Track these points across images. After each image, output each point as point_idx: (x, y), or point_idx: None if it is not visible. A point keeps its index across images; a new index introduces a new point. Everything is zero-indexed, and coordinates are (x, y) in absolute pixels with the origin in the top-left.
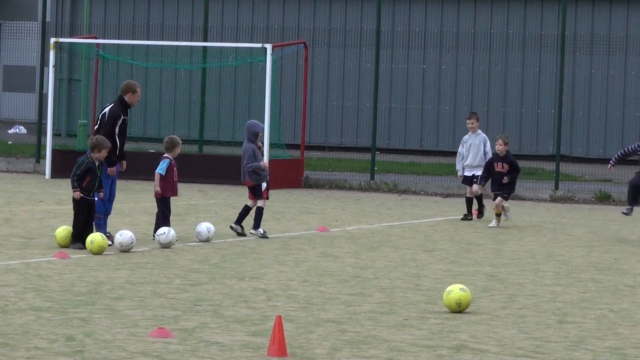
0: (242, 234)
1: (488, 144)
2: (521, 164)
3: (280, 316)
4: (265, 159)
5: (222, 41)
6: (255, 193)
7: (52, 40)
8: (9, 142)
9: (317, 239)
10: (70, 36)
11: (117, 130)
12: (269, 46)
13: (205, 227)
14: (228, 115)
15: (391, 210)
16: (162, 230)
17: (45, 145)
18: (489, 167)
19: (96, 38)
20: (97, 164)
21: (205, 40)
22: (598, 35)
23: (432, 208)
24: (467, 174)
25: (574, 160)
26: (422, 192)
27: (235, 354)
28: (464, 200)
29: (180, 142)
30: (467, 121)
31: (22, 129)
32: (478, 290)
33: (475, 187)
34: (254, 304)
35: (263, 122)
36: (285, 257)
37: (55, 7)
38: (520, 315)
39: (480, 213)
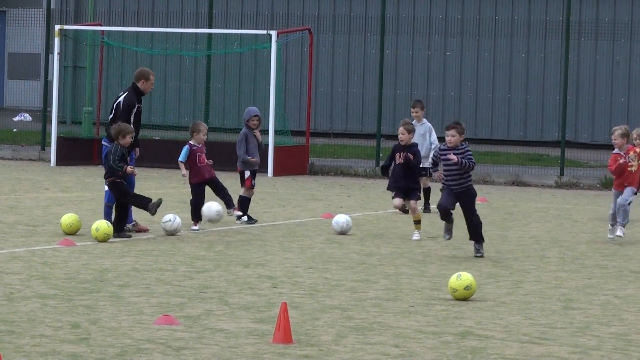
0: (252, 221)
1: (434, 133)
2: (526, 150)
3: (285, 303)
4: (270, 145)
5: (226, 28)
6: (241, 180)
7: (57, 27)
8: (14, 130)
9: (322, 225)
10: (75, 23)
11: (132, 118)
12: (273, 33)
13: (215, 210)
14: (233, 102)
15: None
16: (168, 217)
17: (50, 133)
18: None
19: (101, 25)
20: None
21: (210, 27)
22: (603, 21)
23: (438, 194)
24: None
25: (579, 146)
26: None
27: (241, 341)
28: None
29: (202, 127)
30: (412, 110)
31: (27, 117)
32: (483, 276)
33: (422, 179)
34: (260, 291)
35: (268, 109)
36: (291, 244)
37: None
38: (526, 302)
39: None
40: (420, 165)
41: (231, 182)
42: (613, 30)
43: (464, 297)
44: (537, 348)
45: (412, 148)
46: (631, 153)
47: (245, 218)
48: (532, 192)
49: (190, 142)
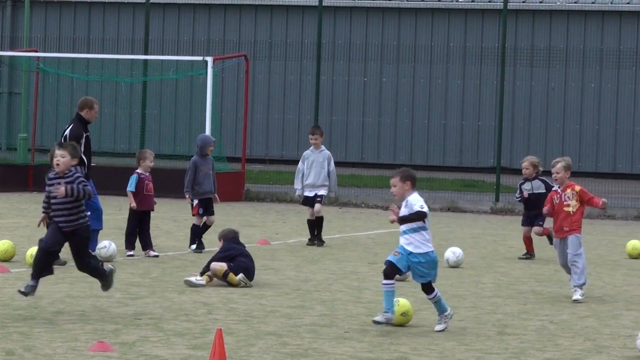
0: (200, 248)
1: (332, 161)
2: (462, 176)
3: (220, 329)
4: None
5: (163, 54)
6: (191, 208)
7: None
8: None
9: (258, 251)
10: (11, 49)
11: (82, 148)
12: (209, 59)
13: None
14: (169, 128)
15: (332, 222)
16: (103, 243)
17: None
18: None
19: (36, 51)
20: None
21: (146, 53)
22: (538, 47)
23: (373, 220)
24: (308, 194)
25: (514, 172)
26: (363, 205)
27: None
28: None
29: (148, 154)
30: (310, 136)
31: None
32: (419, 302)
33: (317, 206)
34: (195, 317)
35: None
36: None
37: None
38: (461, 327)
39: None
40: (318, 193)
41: (167, 208)
42: (548, 56)
43: (400, 323)
44: None
45: None
46: (568, 190)
47: (193, 246)
48: (467, 218)
49: (137, 170)
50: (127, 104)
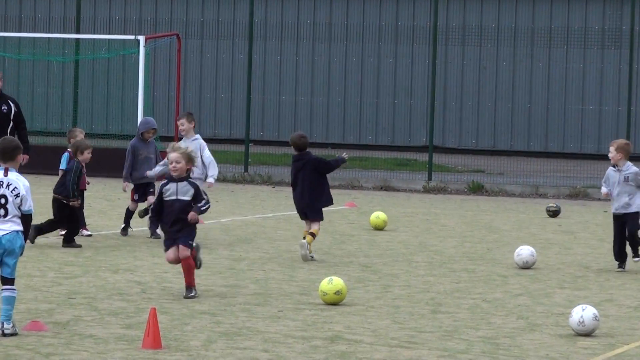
0: (125, 231)
1: (206, 150)
2: (394, 155)
3: (154, 308)
4: None
5: (94, 33)
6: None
7: None
8: None
9: None
10: None
11: None
12: (141, 38)
13: None
14: (101, 107)
15: (265, 202)
16: None
17: None
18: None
19: None
20: None
21: (77, 32)
22: (470, 26)
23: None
24: None
25: (446, 151)
26: None
27: (110, 347)
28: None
29: (78, 133)
30: (178, 122)
31: None
32: (352, 281)
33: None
34: (129, 297)
35: (137, 115)
36: (160, 249)
37: None
38: (394, 306)
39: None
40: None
41: (100, 187)
42: (480, 35)
43: (333, 301)
44: (406, 352)
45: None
46: None
47: (130, 228)
48: (400, 197)
49: (69, 149)
50: (59, 83)
